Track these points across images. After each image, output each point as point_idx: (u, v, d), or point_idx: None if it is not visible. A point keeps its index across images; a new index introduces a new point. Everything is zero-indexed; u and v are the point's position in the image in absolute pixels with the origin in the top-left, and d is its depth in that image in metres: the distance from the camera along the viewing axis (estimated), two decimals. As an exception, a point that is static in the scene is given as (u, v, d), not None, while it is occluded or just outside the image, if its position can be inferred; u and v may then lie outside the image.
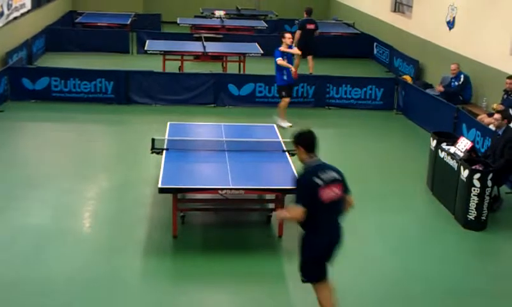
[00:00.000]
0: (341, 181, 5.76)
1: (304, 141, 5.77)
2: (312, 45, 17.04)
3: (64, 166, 10.35)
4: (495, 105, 11.40)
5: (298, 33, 17.01)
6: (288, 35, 12.72)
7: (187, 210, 8.57)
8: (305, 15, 17.69)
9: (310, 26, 17.28)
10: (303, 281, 6.04)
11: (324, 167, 5.75)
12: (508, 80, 11.87)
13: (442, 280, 7.41)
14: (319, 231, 5.74)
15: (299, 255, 5.99)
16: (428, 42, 16.40)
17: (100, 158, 10.98)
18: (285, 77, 12.66)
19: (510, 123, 9.69)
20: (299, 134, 5.85)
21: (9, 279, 6.95)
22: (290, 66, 12.58)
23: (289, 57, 12.68)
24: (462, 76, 13.54)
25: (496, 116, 9.64)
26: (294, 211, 5.63)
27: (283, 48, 12.55)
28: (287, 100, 12.79)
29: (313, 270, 5.93)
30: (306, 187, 5.63)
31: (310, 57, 16.88)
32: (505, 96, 11.89)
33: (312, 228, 5.72)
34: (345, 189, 5.84)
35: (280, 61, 12.45)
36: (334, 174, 5.73)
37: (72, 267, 7.27)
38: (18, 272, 7.10)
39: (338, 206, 5.80)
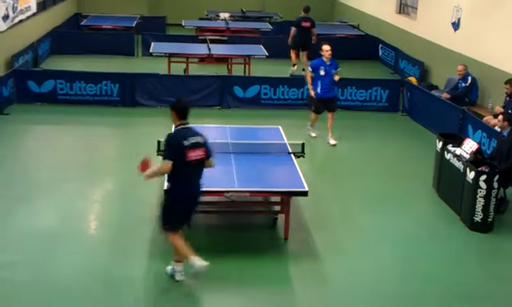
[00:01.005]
0: (204, 146, 6.77)
1: (179, 109, 6.79)
2: (308, 42, 17.75)
3: (69, 168, 10.37)
4: (497, 108, 11.33)
5: (293, 30, 17.80)
6: (325, 47, 11.83)
7: (192, 212, 8.57)
8: (302, 13, 17.94)
9: (306, 24, 17.72)
10: (163, 230, 6.93)
11: (192, 132, 6.76)
12: (506, 85, 11.83)
13: (448, 282, 7.39)
14: (182, 184, 6.73)
15: (162, 206, 6.92)
16: (433, 44, 16.37)
17: (106, 161, 11.00)
18: (318, 89, 11.87)
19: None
20: (176, 102, 6.93)
21: (17, 281, 6.97)
22: (310, 87, 11.89)
23: (328, 71, 11.75)
24: (469, 77, 13.44)
25: (500, 117, 9.61)
26: (163, 166, 6.61)
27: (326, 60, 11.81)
28: (313, 116, 12.22)
29: (174, 219, 6.85)
30: (175, 146, 6.63)
31: (304, 53, 17.83)
32: (508, 99, 11.85)
33: (177, 182, 6.72)
34: (208, 153, 6.85)
35: (308, 74, 11.97)
36: (199, 139, 6.74)
37: (78, 268, 7.28)
38: (25, 274, 7.12)
39: (200, 166, 6.80)
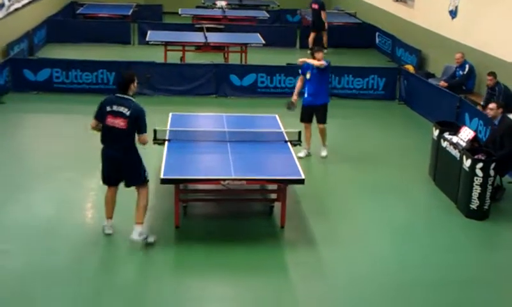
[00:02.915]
0: (127, 117, 7.22)
1: (117, 80, 7.30)
2: (316, 24, 18.93)
3: (65, 157, 10.34)
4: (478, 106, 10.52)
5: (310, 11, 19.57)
6: (317, 55, 10.33)
7: (189, 200, 8.57)
8: None
9: (314, 6, 18.94)
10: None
11: (120, 101, 7.32)
12: (488, 77, 11.80)
13: (444, 270, 7.41)
14: (103, 146, 7.50)
15: None
16: (430, 32, 16.33)
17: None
18: (305, 95, 10.57)
19: (506, 112, 9.63)
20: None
21: (14, 270, 6.96)
22: (295, 91, 10.65)
23: (315, 74, 10.31)
24: (467, 66, 13.39)
25: (491, 105, 9.55)
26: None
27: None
28: (303, 124, 10.52)
29: (102, 175, 7.63)
30: (99, 108, 7.45)
31: (323, 33, 18.98)
32: (490, 91, 11.81)
33: (102, 143, 7.50)
34: (136, 128, 7.31)
35: (299, 79, 10.66)
36: (123, 110, 7.24)
37: (75, 257, 7.28)
38: (21, 263, 7.11)
39: (120, 134, 7.29)
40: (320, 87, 10.42)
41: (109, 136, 7.36)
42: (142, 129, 7.34)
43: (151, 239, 7.53)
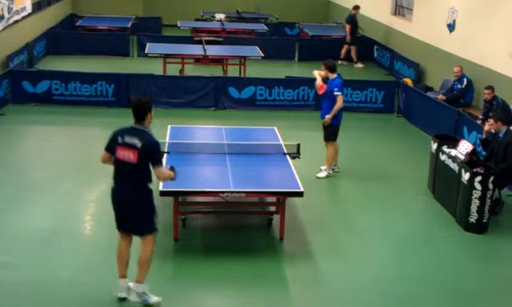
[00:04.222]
0: (138, 150, 6.32)
1: (133, 108, 6.52)
2: (348, 38, 19.83)
3: (65, 169, 10.35)
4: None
5: None
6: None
7: (188, 213, 8.57)
8: None
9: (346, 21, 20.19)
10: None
11: (135, 132, 6.42)
12: (486, 91, 11.82)
13: (443, 283, 7.40)
14: (114, 184, 6.60)
15: None
16: (429, 45, 16.40)
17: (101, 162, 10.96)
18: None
19: (507, 125, 9.64)
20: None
21: (11, 282, 6.94)
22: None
23: (326, 89, 10.28)
24: (465, 79, 13.46)
25: (491, 121, 9.55)
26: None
27: None
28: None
29: (115, 216, 6.66)
30: (110, 138, 6.57)
31: (349, 47, 19.82)
32: (488, 105, 11.83)
33: (113, 180, 6.61)
34: (149, 160, 6.38)
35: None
36: (135, 141, 6.34)
37: (73, 270, 7.27)
38: (19, 275, 7.10)
39: (131, 168, 6.40)
40: (323, 101, 10.36)
41: (119, 172, 6.52)
42: (154, 161, 6.40)
43: (152, 301, 6.61)
